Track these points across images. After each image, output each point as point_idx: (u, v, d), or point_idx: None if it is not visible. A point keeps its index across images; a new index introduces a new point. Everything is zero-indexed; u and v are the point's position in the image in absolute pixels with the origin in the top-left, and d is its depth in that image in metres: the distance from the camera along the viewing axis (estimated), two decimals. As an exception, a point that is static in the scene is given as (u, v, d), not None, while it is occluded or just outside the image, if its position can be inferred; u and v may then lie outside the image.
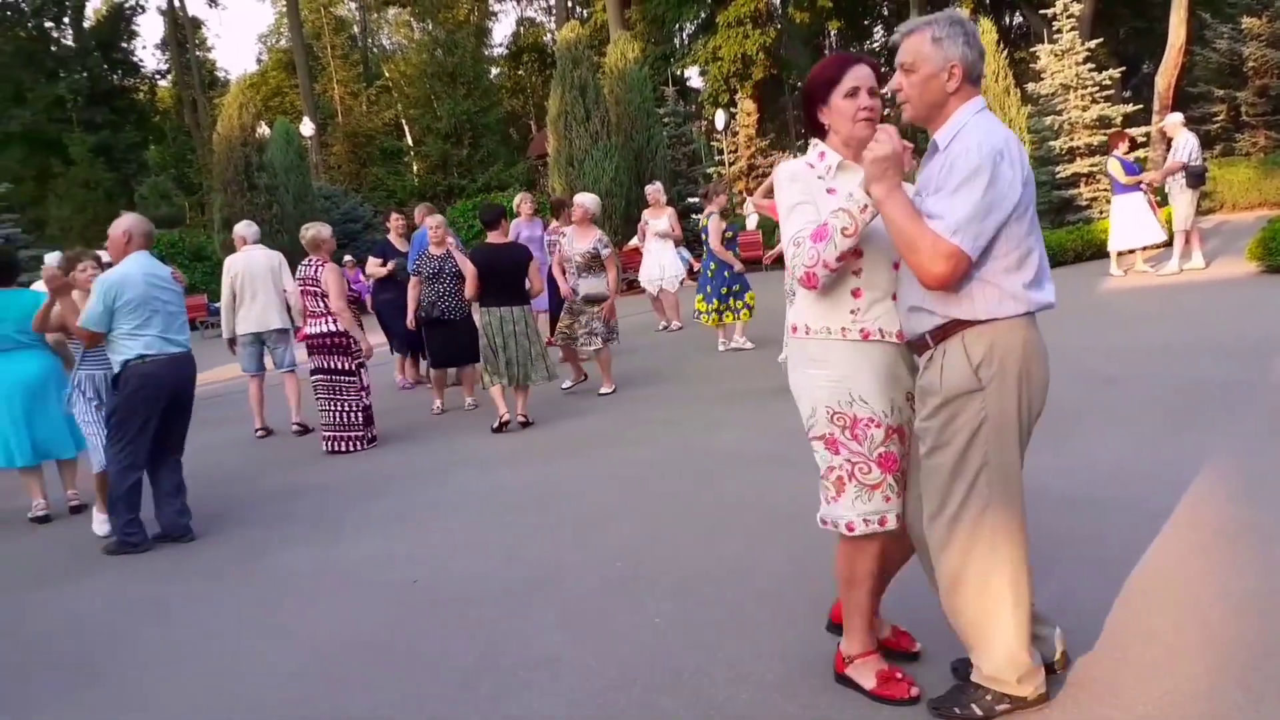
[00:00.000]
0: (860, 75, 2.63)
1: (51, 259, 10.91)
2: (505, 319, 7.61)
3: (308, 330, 7.75)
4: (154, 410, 5.35)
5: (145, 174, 33.28)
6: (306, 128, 26.68)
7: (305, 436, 8.46)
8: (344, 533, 5.29)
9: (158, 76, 38.45)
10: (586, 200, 8.86)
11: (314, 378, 7.75)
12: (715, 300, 10.17)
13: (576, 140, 19.43)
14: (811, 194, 2.64)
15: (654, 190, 13.32)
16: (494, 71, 37.55)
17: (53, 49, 32.39)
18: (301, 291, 7.73)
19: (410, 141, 34.83)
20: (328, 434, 7.71)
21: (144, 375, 5.26)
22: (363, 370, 7.69)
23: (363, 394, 7.65)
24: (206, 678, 3.60)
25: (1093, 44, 17.27)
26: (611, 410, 7.92)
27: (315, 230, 7.97)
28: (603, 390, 8.71)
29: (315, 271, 7.66)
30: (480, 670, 3.35)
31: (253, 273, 8.53)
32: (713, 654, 3.25)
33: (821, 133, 2.73)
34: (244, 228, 9.08)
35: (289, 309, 8.82)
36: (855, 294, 2.63)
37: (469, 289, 7.71)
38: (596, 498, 5.41)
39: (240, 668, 3.65)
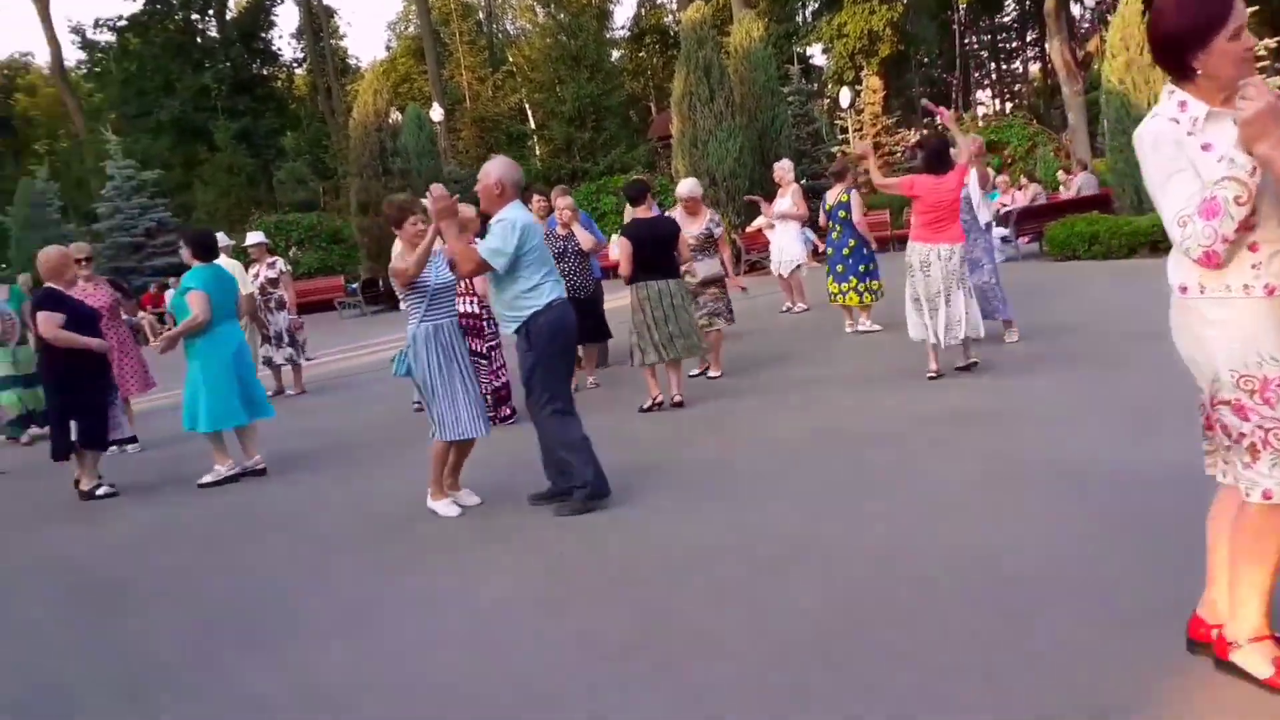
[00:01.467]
0: (1243, 14, 2.38)
1: (254, 238, 11.65)
2: (664, 292, 7.45)
3: None
4: (571, 355, 5.53)
5: (283, 159, 34.59)
6: (436, 113, 27.28)
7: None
8: (501, 507, 5.43)
9: (295, 65, 39.91)
10: (682, 189, 8.83)
11: None
12: (852, 278, 10.02)
13: (700, 121, 19.37)
14: (1186, 156, 2.39)
15: (781, 168, 13.09)
16: (614, 55, 37.71)
17: (199, 40, 34.02)
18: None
19: (534, 125, 35.30)
20: None
21: (556, 320, 5.07)
22: (496, 352, 7.81)
23: (494, 376, 7.76)
24: (376, 645, 3.76)
25: None
26: (746, 394, 7.88)
27: (461, 210, 8.21)
28: (711, 373, 8.68)
29: None
30: (638, 645, 3.42)
31: None
32: (867, 634, 3.25)
33: (1183, 79, 2.47)
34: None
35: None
36: (1252, 248, 2.39)
37: (624, 266, 7.49)
38: (748, 479, 5.42)
39: (404, 636, 3.80)
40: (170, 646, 3.95)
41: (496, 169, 5.08)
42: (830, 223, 10.22)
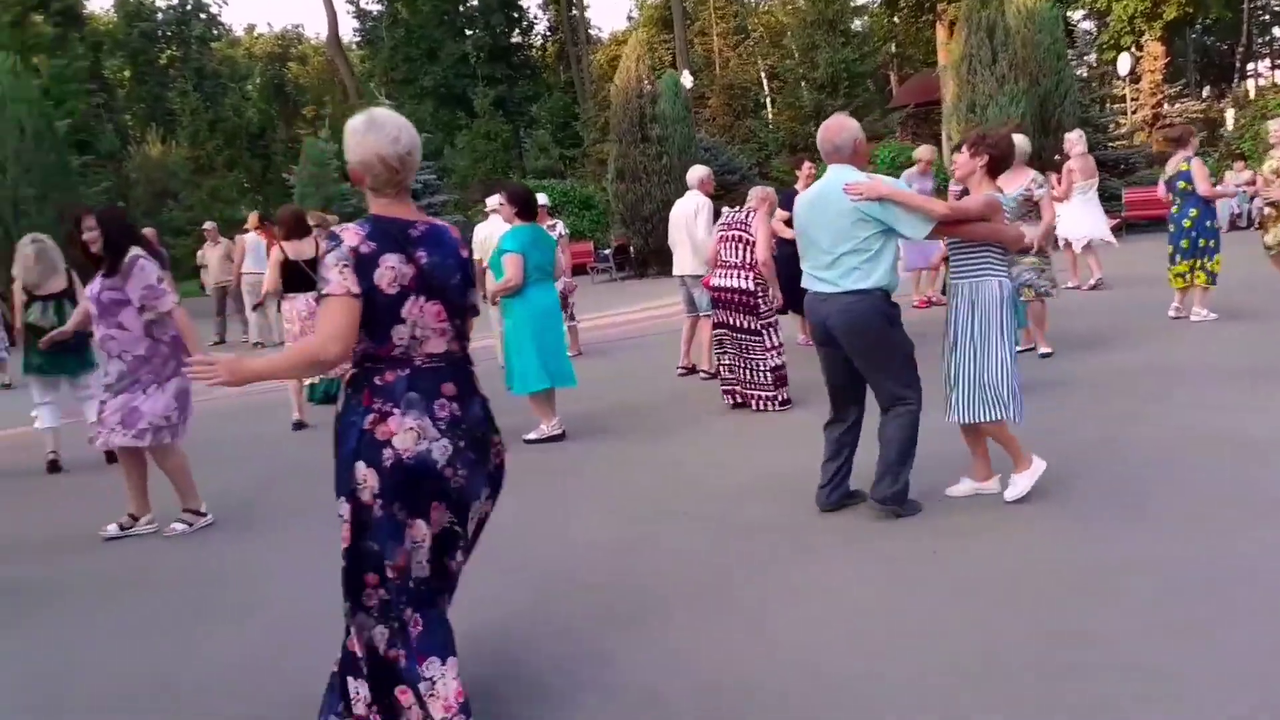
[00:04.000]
0: None
1: (540, 199, 11.89)
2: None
3: (713, 281, 7.58)
4: None
5: (535, 127, 35.48)
6: (686, 79, 27.09)
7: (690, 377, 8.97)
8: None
9: (548, 34, 40.75)
10: (1020, 142, 8.02)
11: (717, 331, 7.61)
12: (1192, 257, 9.01)
13: (980, 85, 18.17)
14: None
15: (1074, 138, 12.11)
16: (855, 22, 36.24)
17: (460, 9, 35.28)
18: (720, 238, 7.57)
19: (773, 91, 34.51)
20: (730, 388, 7.56)
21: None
22: (771, 330, 7.38)
23: (771, 354, 7.34)
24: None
25: None
26: (1083, 381, 7.11)
27: (763, 192, 7.82)
28: (1041, 350, 8.01)
29: (746, 216, 7.48)
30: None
31: (673, 220, 8.96)
32: None
33: None
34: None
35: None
36: None
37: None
38: (1136, 488, 4.81)
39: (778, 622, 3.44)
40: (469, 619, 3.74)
41: (852, 126, 4.75)
42: (1169, 195, 9.19)
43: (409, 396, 2.78)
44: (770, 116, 34.57)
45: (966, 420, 4.72)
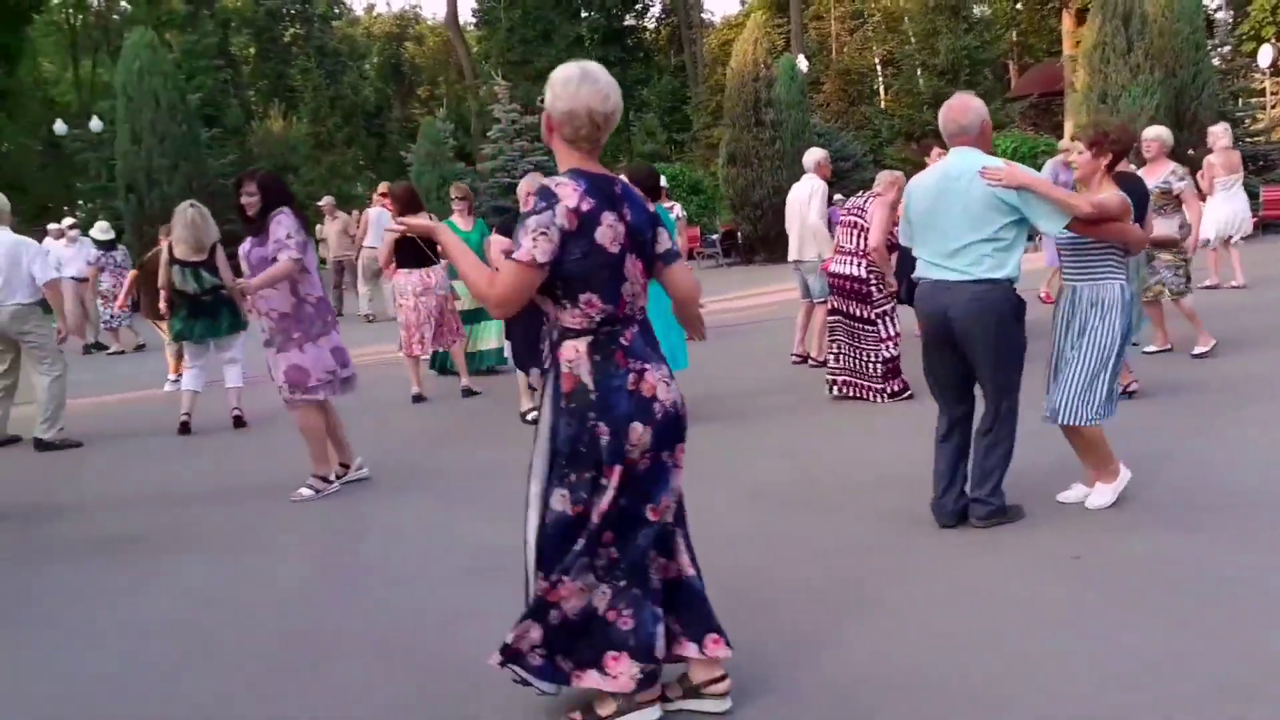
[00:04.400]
0: None
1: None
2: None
3: (831, 267, 7.45)
4: None
5: (644, 111, 35.44)
6: (801, 63, 26.74)
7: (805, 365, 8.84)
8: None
9: (661, 17, 40.69)
10: (1164, 134, 7.67)
11: (830, 317, 7.47)
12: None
13: (1113, 75, 17.47)
14: None
15: (1218, 131, 11.57)
16: (975, 9, 35.21)
17: (576, -10, 35.57)
18: (840, 223, 7.44)
19: (885, 78, 33.80)
20: (836, 376, 7.40)
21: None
22: (886, 319, 7.18)
23: (884, 345, 7.15)
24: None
25: None
26: (1203, 387, 6.77)
27: (891, 178, 7.63)
28: (1196, 350, 7.65)
29: (865, 203, 7.31)
30: None
31: (789, 204, 8.92)
32: None
33: None
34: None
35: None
36: None
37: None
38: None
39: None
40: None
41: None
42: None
43: (645, 351, 2.84)
44: (883, 103, 33.88)
45: (1070, 422, 4.48)
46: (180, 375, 11.00)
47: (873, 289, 7.14)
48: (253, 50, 50.86)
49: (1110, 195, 4.43)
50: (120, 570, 4.83)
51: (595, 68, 2.78)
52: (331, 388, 5.76)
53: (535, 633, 2.86)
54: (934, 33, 28.20)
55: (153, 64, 20.70)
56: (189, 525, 5.53)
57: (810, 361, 8.76)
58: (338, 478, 6.01)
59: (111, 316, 13.97)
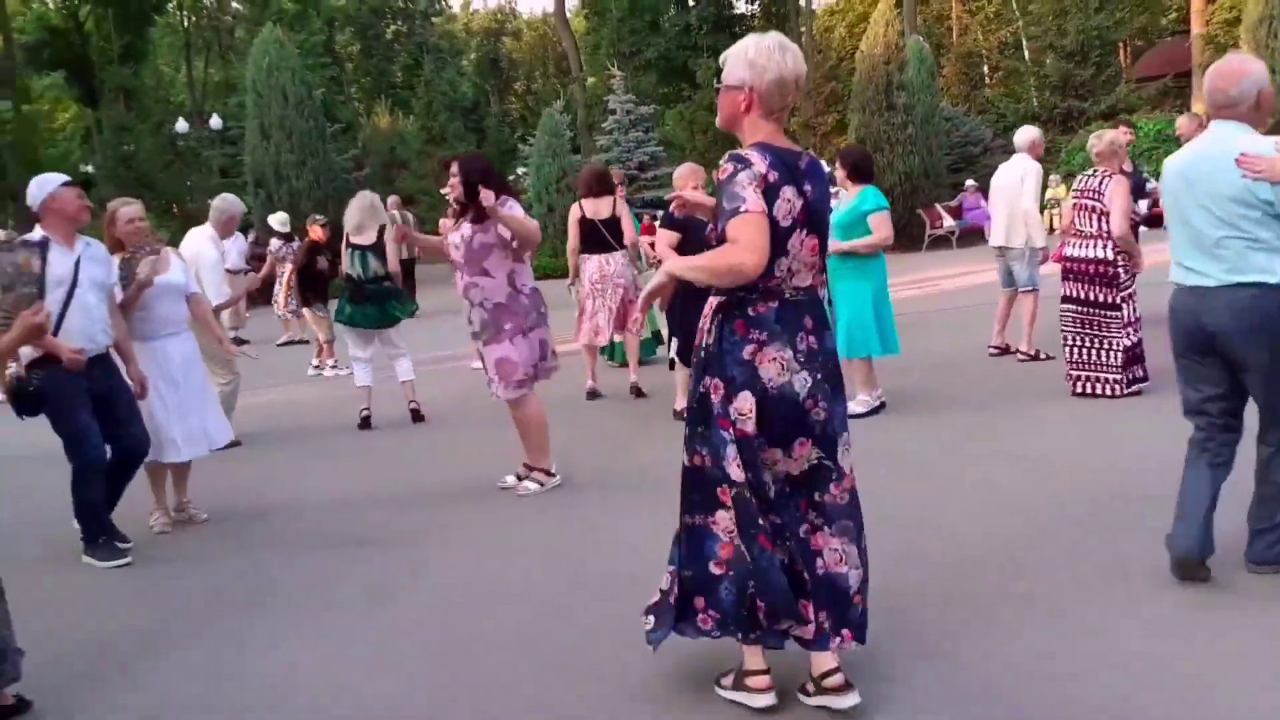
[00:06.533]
0: None
1: None
2: None
3: (1066, 251, 6.98)
4: None
5: (753, 98, 34.72)
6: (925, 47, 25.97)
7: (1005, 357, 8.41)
8: None
9: (773, 4, 39.95)
10: None
11: (1063, 306, 6.95)
12: None
13: (1280, 51, 16.47)
14: None
15: None
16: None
17: (685, -21, 35.07)
18: (1076, 205, 6.94)
19: (1015, 60, 32.61)
20: (1074, 372, 6.90)
21: None
22: (1130, 303, 6.71)
23: (1127, 330, 6.68)
24: None
25: None
26: None
27: (1112, 136, 7.19)
28: None
29: (1100, 183, 6.80)
30: None
31: (995, 186, 8.37)
32: None
33: None
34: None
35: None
36: None
37: None
38: None
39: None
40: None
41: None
42: None
43: (774, 328, 2.82)
44: (1003, 88, 32.68)
45: None
46: (322, 364, 11.04)
47: (1119, 270, 6.70)
48: (355, 48, 51.56)
49: None
50: (369, 571, 4.62)
51: (781, 36, 2.82)
52: (531, 381, 5.54)
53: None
54: (1062, 12, 27.05)
55: (281, 60, 20.88)
56: (417, 525, 5.32)
57: (1019, 355, 8.22)
58: (518, 477, 5.75)
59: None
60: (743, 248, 2.67)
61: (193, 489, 5.81)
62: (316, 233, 10.75)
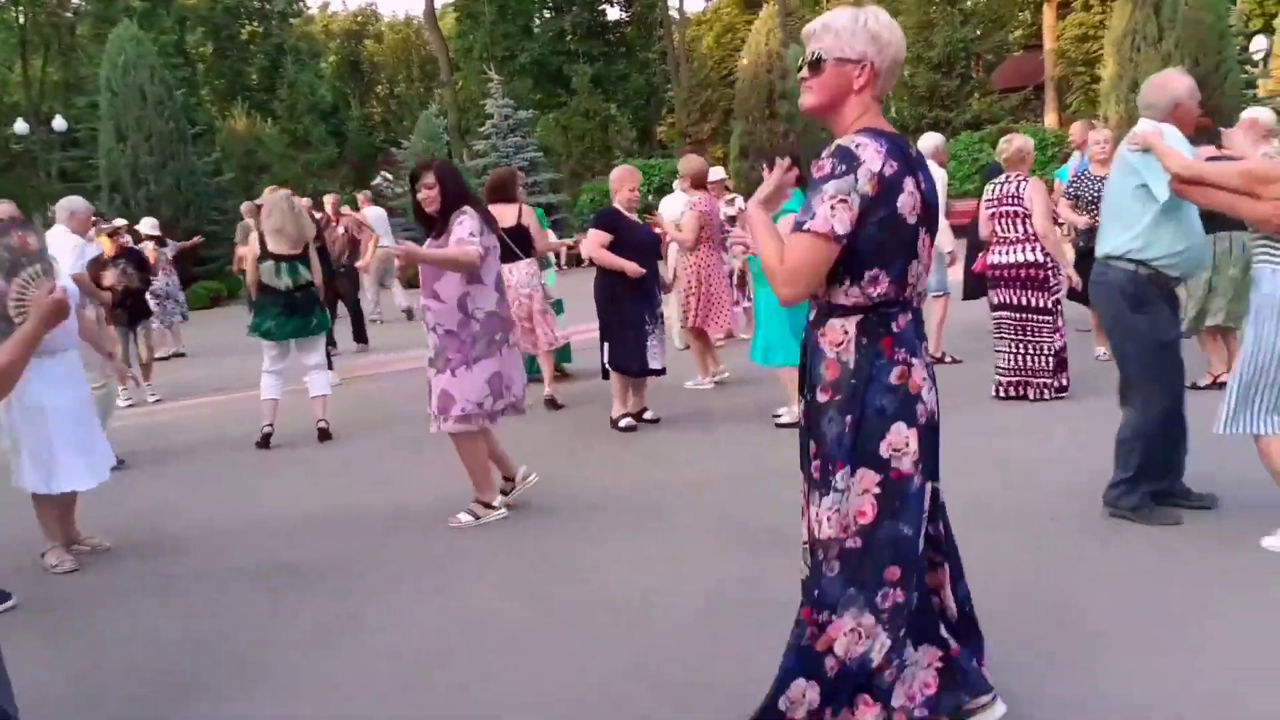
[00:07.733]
0: None
1: (715, 173, 11.27)
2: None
3: (992, 259, 7.00)
4: None
5: (627, 105, 34.72)
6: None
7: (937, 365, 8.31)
8: None
9: (645, 12, 40.12)
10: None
11: (996, 314, 6.96)
12: None
13: (1143, 64, 17.28)
14: None
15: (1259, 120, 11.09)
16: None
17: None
18: (994, 214, 6.97)
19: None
20: (1004, 378, 6.92)
21: None
22: (1059, 307, 6.78)
23: (1056, 335, 6.75)
24: None
25: None
26: None
27: (1020, 142, 7.22)
28: None
29: (1016, 187, 6.85)
30: None
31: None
32: None
33: None
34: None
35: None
36: None
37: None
38: None
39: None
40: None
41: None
42: None
43: (914, 342, 2.41)
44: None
45: (1240, 431, 3.92)
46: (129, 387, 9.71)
47: (1049, 273, 6.72)
48: (208, 48, 49.23)
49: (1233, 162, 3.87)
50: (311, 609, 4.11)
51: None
52: (481, 418, 4.99)
53: (811, 693, 2.46)
54: (929, 24, 27.95)
55: (138, 58, 19.61)
56: (363, 553, 4.82)
57: (948, 359, 8.19)
58: (504, 493, 5.32)
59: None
60: (786, 273, 2.31)
61: (84, 520, 5.18)
62: (106, 243, 9.33)
